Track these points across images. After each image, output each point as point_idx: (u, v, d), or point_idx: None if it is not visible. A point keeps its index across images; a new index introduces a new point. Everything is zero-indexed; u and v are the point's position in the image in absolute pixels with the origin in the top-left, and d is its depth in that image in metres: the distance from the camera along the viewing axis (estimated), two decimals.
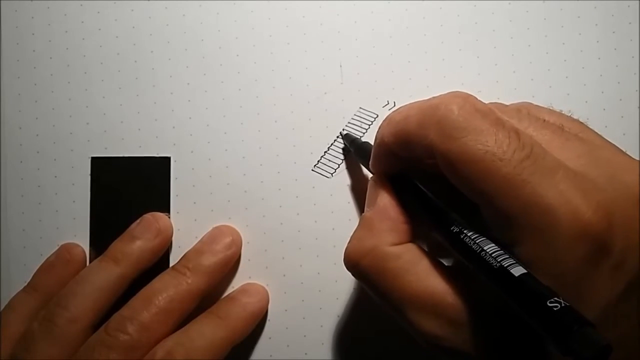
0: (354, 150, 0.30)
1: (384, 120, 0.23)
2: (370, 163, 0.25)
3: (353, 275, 0.23)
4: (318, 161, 0.31)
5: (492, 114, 0.20)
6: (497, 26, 0.32)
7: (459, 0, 0.32)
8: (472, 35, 0.32)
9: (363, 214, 0.24)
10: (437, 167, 0.20)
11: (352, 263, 0.23)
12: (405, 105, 0.22)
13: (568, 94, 0.31)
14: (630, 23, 0.32)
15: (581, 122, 0.22)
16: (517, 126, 0.20)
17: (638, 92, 0.31)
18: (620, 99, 0.31)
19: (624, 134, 0.31)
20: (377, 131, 0.23)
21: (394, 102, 0.32)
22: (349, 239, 0.23)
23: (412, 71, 0.32)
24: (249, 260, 0.31)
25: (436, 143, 0.20)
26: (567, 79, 0.32)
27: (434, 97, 0.21)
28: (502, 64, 0.32)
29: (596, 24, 0.32)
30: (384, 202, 0.23)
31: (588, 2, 0.32)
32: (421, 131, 0.20)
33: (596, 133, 0.22)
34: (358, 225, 0.23)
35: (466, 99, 0.20)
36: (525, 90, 0.31)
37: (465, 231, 0.20)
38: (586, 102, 0.31)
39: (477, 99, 0.20)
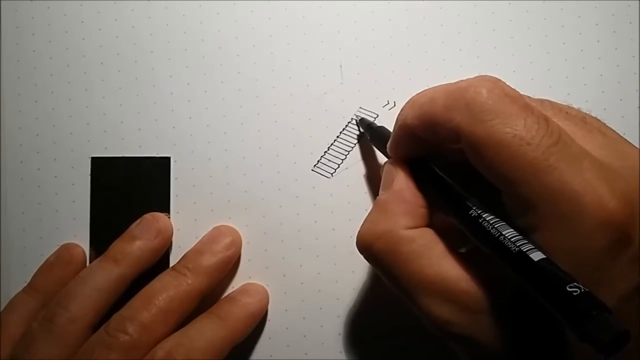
0: (369, 135, 0.30)
1: (406, 103, 0.23)
2: (388, 146, 0.24)
3: (365, 258, 0.23)
4: (318, 161, 0.31)
5: (521, 99, 0.20)
6: (497, 26, 0.32)
7: (459, 0, 0.32)
8: (472, 35, 0.32)
9: (378, 197, 0.23)
10: (459, 151, 0.20)
11: (365, 246, 0.22)
12: (429, 88, 0.22)
13: (568, 94, 0.31)
14: (630, 23, 0.32)
15: (599, 119, 0.22)
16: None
17: (638, 92, 0.31)
18: (621, 99, 0.31)
19: (624, 134, 0.30)
20: (399, 114, 0.23)
21: (394, 102, 0.32)
22: (349, 238, 0.23)
23: (412, 71, 0.32)
24: (249, 260, 0.31)
25: (463, 126, 0.19)
26: (567, 79, 0.31)
27: (461, 80, 0.21)
28: (502, 64, 0.32)
29: (596, 24, 0.32)
30: (401, 185, 0.23)
31: (588, 1, 0.32)
32: (448, 113, 0.20)
33: (613, 130, 0.22)
34: (372, 208, 0.23)
35: (495, 83, 0.20)
36: (525, 90, 0.30)
37: (484, 215, 0.20)
38: (586, 102, 0.31)
39: (505, 83, 0.20)
